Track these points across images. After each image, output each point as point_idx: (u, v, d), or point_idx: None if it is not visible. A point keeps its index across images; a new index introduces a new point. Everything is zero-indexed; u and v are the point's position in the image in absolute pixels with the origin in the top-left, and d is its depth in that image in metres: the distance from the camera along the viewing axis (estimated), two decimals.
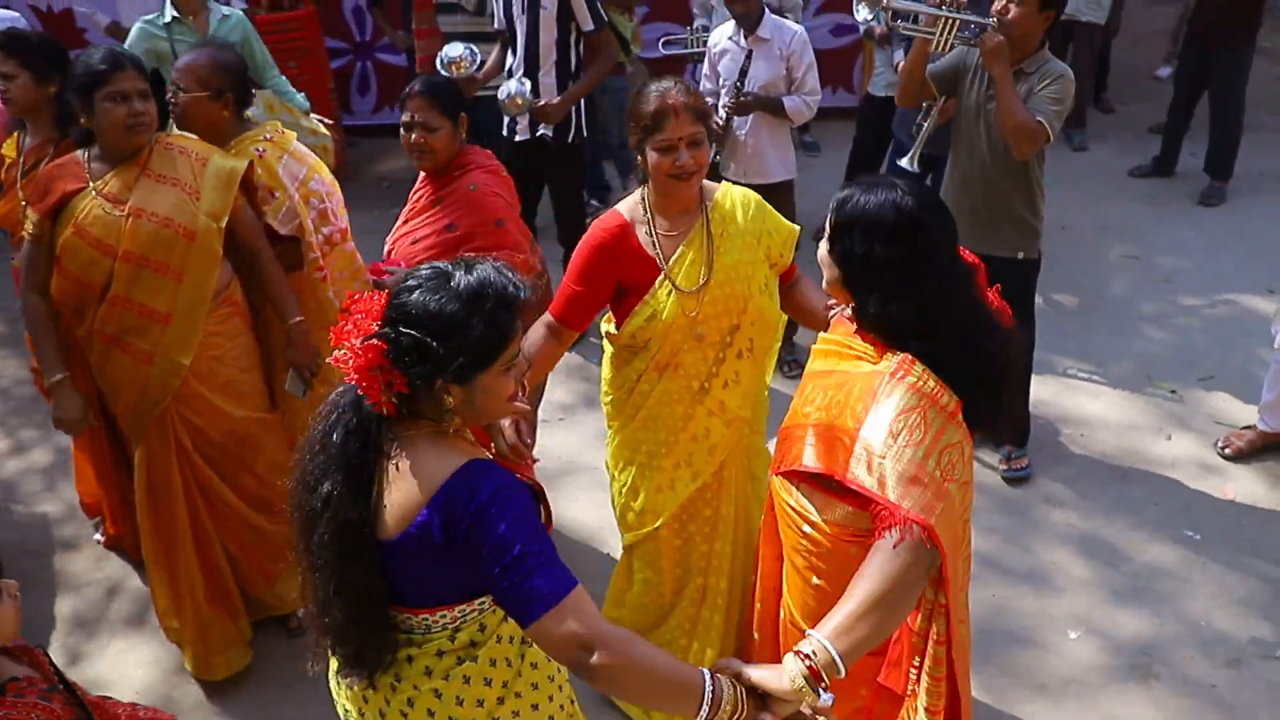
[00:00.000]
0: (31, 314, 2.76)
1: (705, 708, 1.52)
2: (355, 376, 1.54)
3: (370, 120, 7.09)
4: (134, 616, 3.30)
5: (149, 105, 2.61)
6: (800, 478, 1.87)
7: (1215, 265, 5.18)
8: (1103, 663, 2.99)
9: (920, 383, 1.73)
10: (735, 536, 2.56)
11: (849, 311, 1.90)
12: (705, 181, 2.43)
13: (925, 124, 3.55)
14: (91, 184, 2.64)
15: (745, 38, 4.00)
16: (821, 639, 1.58)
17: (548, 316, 2.47)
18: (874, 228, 1.76)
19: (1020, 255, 3.51)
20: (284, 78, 4.80)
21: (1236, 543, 3.41)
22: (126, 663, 3.13)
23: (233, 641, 2.97)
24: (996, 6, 3.27)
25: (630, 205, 2.43)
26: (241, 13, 4.81)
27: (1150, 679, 2.93)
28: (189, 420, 2.78)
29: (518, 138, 4.31)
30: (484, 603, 1.67)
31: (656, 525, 2.52)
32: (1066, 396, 4.20)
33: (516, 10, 4.12)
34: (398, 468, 1.58)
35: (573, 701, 1.88)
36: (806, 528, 1.89)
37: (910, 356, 1.76)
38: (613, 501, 2.65)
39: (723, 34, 4.11)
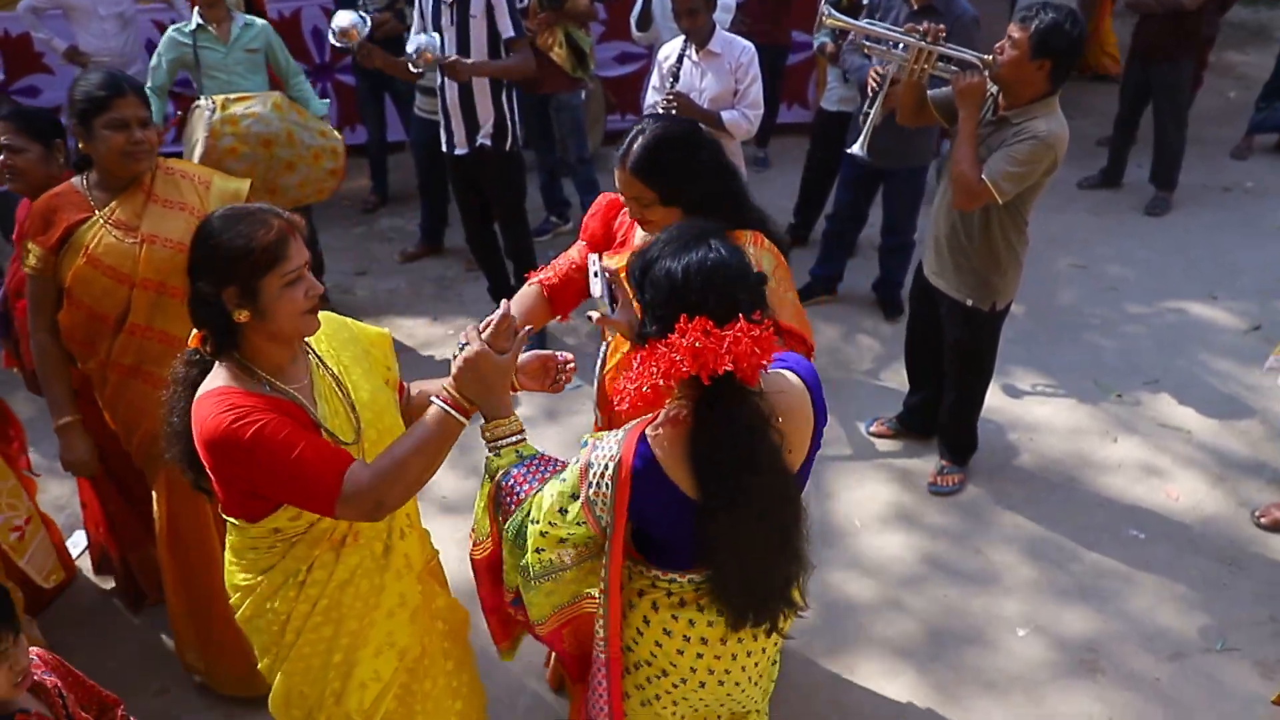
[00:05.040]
0: (42, 354, 2.66)
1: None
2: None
3: None
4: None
5: (148, 132, 2.53)
6: None
7: (1160, 273, 5.30)
8: (1050, 659, 3.04)
9: (771, 244, 2.30)
10: (457, 689, 2.24)
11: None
12: None
13: (871, 112, 3.52)
14: (98, 212, 2.55)
15: (696, 53, 4.06)
16: None
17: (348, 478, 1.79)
18: (671, 151, 2.21)
19: (969, 302, 3.38)
20: (307, 84, 4.87)
21: (1179, 541, 3.49)
22: None
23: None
24: (997, 45, 3.04)
25: (227, 376, 1.85)
26: (265, 21, 4.86)
27: (1096, 674, 2.98)
28: None
29: (457, 151, 4.36)
30: None
31: None
32: (1015, 402, 4.28)
33: (445, 21, 4.18)
34: None
35: None
36: None
37: (758, 231, 2.28)
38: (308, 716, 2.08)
39: (674, 48, 4.17)
